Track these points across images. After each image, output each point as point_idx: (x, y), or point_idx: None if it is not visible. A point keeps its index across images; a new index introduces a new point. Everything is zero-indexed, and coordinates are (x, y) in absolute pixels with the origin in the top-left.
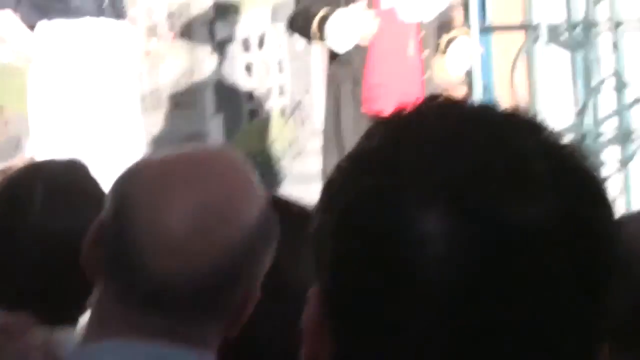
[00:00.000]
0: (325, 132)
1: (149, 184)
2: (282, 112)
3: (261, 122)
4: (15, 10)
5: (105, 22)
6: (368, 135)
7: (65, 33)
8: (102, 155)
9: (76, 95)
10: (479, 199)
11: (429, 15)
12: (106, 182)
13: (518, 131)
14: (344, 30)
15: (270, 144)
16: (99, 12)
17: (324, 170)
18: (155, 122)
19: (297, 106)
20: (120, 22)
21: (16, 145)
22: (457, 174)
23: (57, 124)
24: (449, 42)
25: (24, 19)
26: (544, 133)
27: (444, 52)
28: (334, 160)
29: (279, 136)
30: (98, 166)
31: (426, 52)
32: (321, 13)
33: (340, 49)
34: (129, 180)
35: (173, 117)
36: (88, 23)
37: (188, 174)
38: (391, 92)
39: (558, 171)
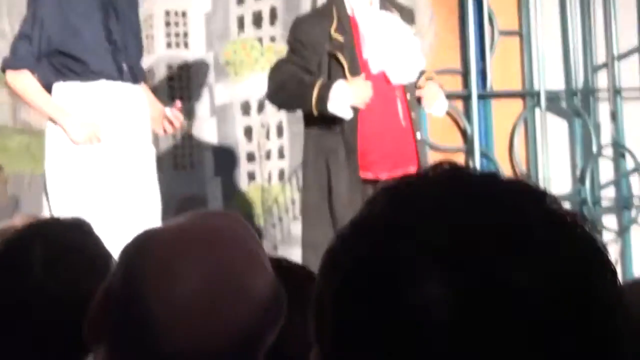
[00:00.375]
0: (312, 200)
1: (158, 254)
2: (281, 176)
3: (260, 185)
4: (34, 71)
5: (123, 86)
6: (371, 202)
7: (81, 95)
8: (118, 216)
9: (92, 156)
10: (481, 266)
11: (415, 75)
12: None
13: (520, 200)
14: (346, 98)
15: (268, 207)
16: (118, 75)
17: (306, 239)
18: None
19: (295, 169)
20: (136, 86)
21: (15, 204)
22: (459, 241)
23: (72, 183)
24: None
25: (42, 80)
26: (546, 201)
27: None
28: (324, 229)
29: (277, 199)
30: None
31: (413, 114)
32: (319, 83)
33: (346, 116)
34: (139, 248)
35: (172, 178)
36: (105, 86)
37: (197, 245)
38: (385, 156)
39: (560, 239)
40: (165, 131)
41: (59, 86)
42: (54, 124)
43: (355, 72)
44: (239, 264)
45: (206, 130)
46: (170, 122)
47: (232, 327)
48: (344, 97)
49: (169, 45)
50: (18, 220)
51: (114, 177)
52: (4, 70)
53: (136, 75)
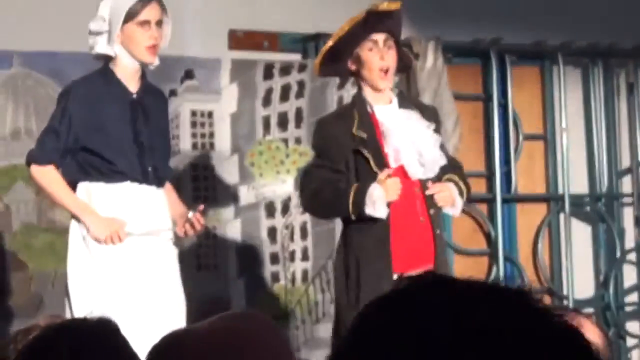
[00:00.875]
0: (340, 297)
1: (187, 357)
2: (304, 277)
3: (283, 286)
4: (59, 166)
5: (146, 189)
6: (365, 316)
7: (105, 196)
8: (141, 315)
9: (114, 254)
10: None
11: (434, 170)
12: (142, 343)
13: (520, 314)
14: (381, 199)
15: (291, 308)
16: (142, 178)
17: (336, 337)
18: None
19: (319, 271)
20: (160, 190)
21: (39, 302)
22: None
23: (94, 282)
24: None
25: (66, 176)
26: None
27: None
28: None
29: (301, 301)
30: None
31: (432, 210)
32: (353, 189)
33: (383, 216)
34: (167, 350)
35: (196, 279)
36: (129, 188)
37: (225, 348)
38: (404, 252)
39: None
40: (186, 234)
41: (83, 186)
42: (77, 221)
43: (380, 165)
44: None
45: (230, 231)
46: (192, 225)
47: None
48: (379, 199)
49: (194, 145)
50: (42, 320)
51: (137, 277)
52: (28, 164)
53: (160, 177)
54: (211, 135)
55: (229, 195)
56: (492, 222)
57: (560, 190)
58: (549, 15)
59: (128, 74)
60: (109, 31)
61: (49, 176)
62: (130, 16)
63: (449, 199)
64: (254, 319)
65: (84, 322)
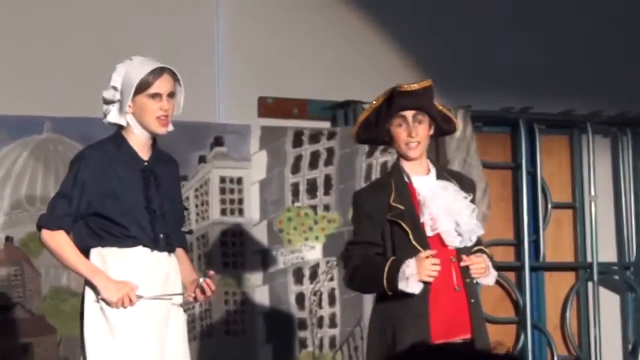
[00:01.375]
0: None
1: None
2: (332, 344)
3: (311, 352)
4: (69, 231)
5: (157, 255)
6: None
7: (119, 260)
8: None
9: (125, 318)
10: None
11: (471, 239)
12: None
13: None
14: (414, 276)
15: None
16: (154, 245)
17: None
18: (206, 347)
19: (347, 338)
20: (171, 256)
21: None
22: None
23: (110, 347)
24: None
25: (79, 242)
26: None
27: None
28: None
29: None
30: None
31: (468, 279)
32: (388, 265)
33: (415, 292)
34: None
35: (224, 344)
36: (142, 253)
37: None
38: (439, 321)
39: None
40: (195, 299)
41: (96, 251)
42: (89, 285)
43: (418, 236)
44: None
45: (259, 297)
46: (202, 291)
47: None
48: (412, 276)
49: (223, 211)
50: None
51: (149, 339)
52: (39, 228)
53: (172, 244)
54: (240, 201)
55: (257, 261)
56: (520, 290)
57: (588, 259)
58: (578, 84)
59: (140, 142)
60: (120, 101)
61: (59, 240)
62: (141, 88)
63: (484, 270)
64: None
65: None
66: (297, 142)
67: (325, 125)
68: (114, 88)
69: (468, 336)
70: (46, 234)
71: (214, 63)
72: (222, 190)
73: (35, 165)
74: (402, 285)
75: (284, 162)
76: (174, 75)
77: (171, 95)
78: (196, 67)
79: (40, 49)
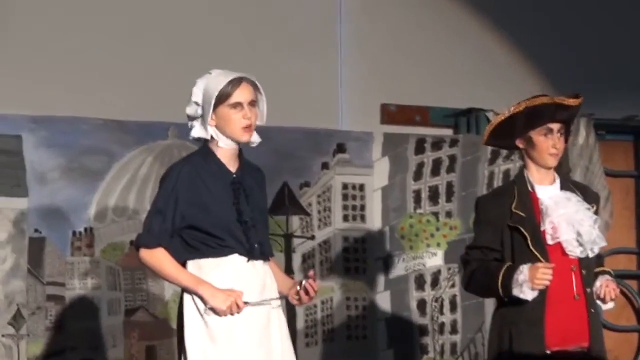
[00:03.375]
0: None
1: None
2: (453, 350)
3: (432, 358)
4: (168, 247)
5: (255, 264)
6: None
7: (217, 270)
8: None
9: (227, 326)
10: None
11: (593, 250)
12: None
13: None
14: (527, 283)
15: None
16: (250, 255)
17: None
18: (328, 352)
19: (468, 344)
20: (266, 265)
21: None
22: None
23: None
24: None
25: (175, 256)
26: None
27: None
28: None
29: None
30: None
31: (588, 289)
32: (503, 271)
33: (528, 298)
34: None
35: (346, 349)
36: (239, 261)
37: None
38: (557, 329)
39: None
40: (300, 301)
41: (193, 263)
42: (189, 295)
43: (537, 244)
44: None
45: (380, 302)
46: (306, 292)
47: None
48: (525, 283)
49: (345, 217)
50: None
51: (254, 345)
52: (137, 248)
53: (266, 253)
54: (362, 207)
55: (379, 267)
56: None
57: None
58: None
59: (227, 155)
60: (202, 115)
61: (158, 257)
62: (221, 99)
63: (615, 296)
64: None
65: None
66: (419, 149)
67: (448, 132)
68: (196, 103)
69: (585, 345)
70: (145, 253)
71: (337, 69)
72: (345, 197)
73: (160, 170)
74: (516, 292)
75: (405, 169)
76: (253, 85)
77: (252, 103)
78: (319, 73)
79: (167, 55)
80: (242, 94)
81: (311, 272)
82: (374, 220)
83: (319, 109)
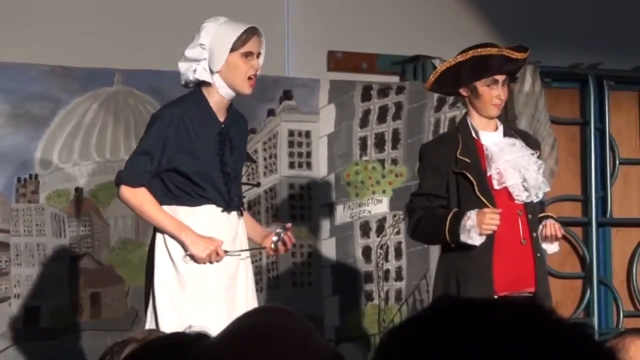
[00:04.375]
0: None
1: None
2: (398, 297)
3: (377, 305)
4: (149, 187)
5: (231, 215)
6: (384, 346)
7: (193, 218)
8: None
9: (196, 275)
10: None
11: (538, 195)
12: None
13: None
14: (475, 229)
15: (385, 327)
16: (227, 206)
17: None
18: (273, 299)
19: (413, 291)
20: (241, 219)
21: (134, 317)
22: None
23: (181, 301)
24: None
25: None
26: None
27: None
28: None
29: (394, 320)
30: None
31: (534, 233)
32: (449, 217)
33: (476, 243)
34: (202, 350)
35: (291, 296)
36: (215, 212)
37: (255, 340)
38: (504, 274)
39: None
40: (276, 251)
41: (169, 209)
42: (162, 238)
43: (484, 189)
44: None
45: (325, 250)
46: (284, 243)
47: None
48: (473, 229)
49: (291, 165)
50: (139, 334)
51: (222, 294)
52: (117, 184)
53: (242, 206)
54: (308, 154)
55: (324, 214)
56: (586, 246)
57: None
58: None
59: (219, 103)
60: (208, 59)
61: (140, 197)
62: (236, 46)
63: (560, 236)
64: (278, 311)
65: (183, 336)
66: (366, 96)
67: (394, 79)
68: (202, 46)
69: (532, 289)
70: (126, 191)
71: (284, 17)
72: (291, 144)
73: (105, 116)
74: (464, 237)
75: (352, 116)
76: (261, 37)
77: (258, 56)
78: (266, 21)
79: (111, 2)
80: (254, 45)
81: (289, 225)
82: (320, 167)
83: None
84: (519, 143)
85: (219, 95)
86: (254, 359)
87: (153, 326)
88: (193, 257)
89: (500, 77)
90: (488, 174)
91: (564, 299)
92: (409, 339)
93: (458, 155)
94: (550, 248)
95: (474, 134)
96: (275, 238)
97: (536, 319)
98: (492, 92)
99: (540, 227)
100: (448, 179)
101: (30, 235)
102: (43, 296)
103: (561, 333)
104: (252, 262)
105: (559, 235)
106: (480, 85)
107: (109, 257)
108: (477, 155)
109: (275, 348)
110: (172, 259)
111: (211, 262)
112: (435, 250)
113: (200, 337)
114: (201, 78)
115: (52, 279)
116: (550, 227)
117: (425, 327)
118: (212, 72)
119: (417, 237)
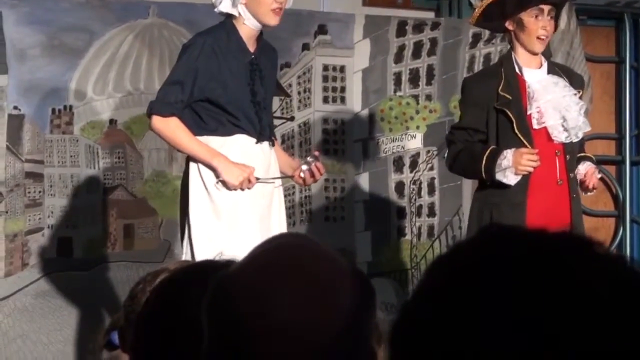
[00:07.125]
0: None
1: (248, 281)
2: (430, 232)
3: (409, 240)
4: (181, 117)
5: (263, 145)
6: (429, 273)
7: (226, 148)
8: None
9: (231, 204)
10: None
11: (577, 136)
12: None
13: (582, 260)
14: (511, 169)
15: (417, 263)
16: (260, 136)
17: None
18: (305, 233)
19: (445, 227)
20: (272, 149)
21: (167, 249)
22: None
23: (217, 230)
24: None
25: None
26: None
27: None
28: None
29: (426, 256)
30: None
31: (571, 174)
32: (487, 154)
33: (511, 183)
34: (228, 277)
35: (323, 230)
36: (248, 141)
37: (285, 267)
38: (539, 213)
39: (628, 302)
40: (304, 181)
41: (201, 139)
42: (197, 168)
43: (522, 128)
44: (324, 273)
45: (358, 184)
46: (312, 174)
47: (331, 330)
48: (509, 168)
49: (325, 99)
50: (171, 265)
51: (251, 222)
52: (149, 115)
53: (274, 136)
54: (342, 89)
55: (358, 149)
56: (620, 184)
57: None
58: None
59: (249, 34)
60: None
61: (172, 126)
62: None
63: (597, 185)
64: (297, 236)
65: (212, 263)
66: (401, 31)
67: (429, 15)
68: None
69: (566, 229)
70: (158, 121)
71: None
72: (325, 78)
73: (140, 49)
74: (499, 176)
75: (386, 51)
76: None
77: None
78: None
79: None
80: None
81: (316, 152)
82: (354, 102)
83: None
84: (562, 82)
85: (247, 26)
86: (280, 277)
87: (189, 256)
88: (225, 184)
89: (546, 7)
90: (528, 112)
91: (596, 237)
92: (458, 267)
93: (499, 91)
94: (587, 193)
95: (517, 70)
96: (305, 167)
97: (587, 248)
98: (539, 23)
99: (580, 171)
100: (488, 114)
101: (64, 166)
102: (76, 227)
103: (611, 265)
104: (285, 197)
105: (596, 186)
106: (526, 16)
107: (142, 189)
108: (518, 92)
109: (305, 261)
110: (206, 189)
111: (242, 189)
112: (468, 187)
113: (228, 264)
114: (225, 10)
115: (86, 210)
116: (590, 177)
117: (475, 254)
118: (235, 3)
119: (454, 170)
